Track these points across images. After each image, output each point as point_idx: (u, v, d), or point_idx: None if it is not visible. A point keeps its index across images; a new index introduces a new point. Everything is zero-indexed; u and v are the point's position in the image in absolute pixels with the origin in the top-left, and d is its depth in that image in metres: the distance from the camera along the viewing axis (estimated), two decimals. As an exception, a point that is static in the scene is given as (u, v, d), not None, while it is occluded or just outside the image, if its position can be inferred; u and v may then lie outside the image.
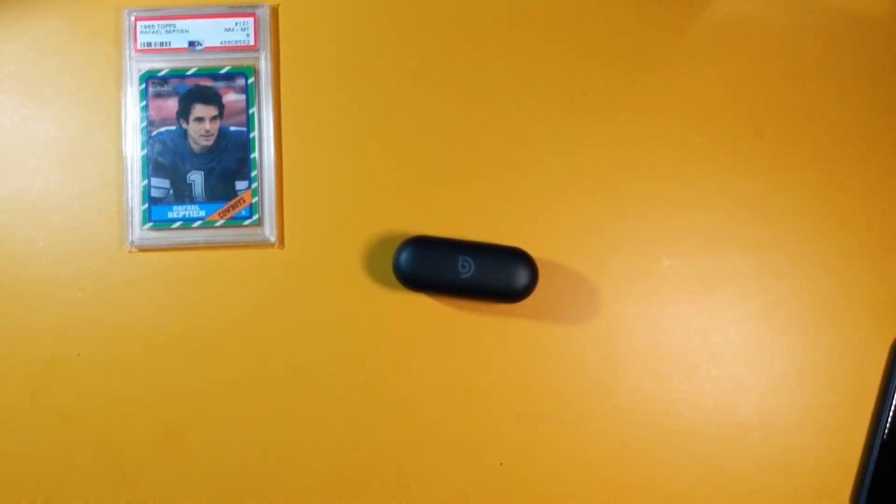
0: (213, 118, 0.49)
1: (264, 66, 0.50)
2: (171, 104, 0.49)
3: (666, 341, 0.49)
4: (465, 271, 0.46)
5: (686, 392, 0.49)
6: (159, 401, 0.49)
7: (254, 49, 0.50)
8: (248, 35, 0.50)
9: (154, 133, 0.49)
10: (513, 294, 0.46)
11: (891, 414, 0.47)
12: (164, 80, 0.49)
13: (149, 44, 0.50)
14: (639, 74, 0.50)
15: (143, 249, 0.49)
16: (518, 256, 0.46)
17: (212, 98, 0.49)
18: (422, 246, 0.46)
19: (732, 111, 0.50)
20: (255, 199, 0.49)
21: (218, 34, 0.50)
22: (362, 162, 0.50)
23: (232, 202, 0.49)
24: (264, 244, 0.49)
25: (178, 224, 0.49)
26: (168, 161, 0.49)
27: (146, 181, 0.49)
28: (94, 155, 0.50)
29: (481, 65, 0.50)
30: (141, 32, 0.50)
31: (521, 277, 0.46)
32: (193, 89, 0.49)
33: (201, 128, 0.49)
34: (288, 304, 0.49)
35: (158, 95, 0.49)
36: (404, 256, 0.46)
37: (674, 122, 0.50)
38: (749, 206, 0.50)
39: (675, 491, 0.48)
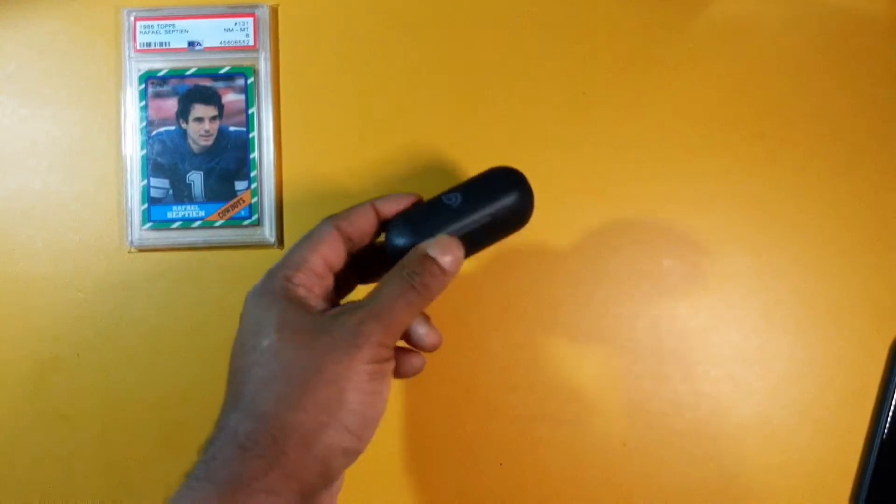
0: (213, 118, 0.49)
1: (264, 67, 0.50)
2: (171, 104, 0.49)
3: (666, 341, 0.49)
4: (453, 202, 0.39)
5: (686, 392, 0.49)
6: (159, 401, 0.49)
7: (253, 49, 0.50)
8: (247, 35, 0.50)
9: (153, 133, 0.49)
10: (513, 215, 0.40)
11: (890, 414, 0.47)
12: (163, 80, 0.49)
13: (148, 44, 0.50)
14: (639, 74, 0.50)
15: (142, 249, 0.49)
16: (504, 176, 0.40)
17: (211, 98, 0.49)
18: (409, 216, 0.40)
19: (733, 110, 0.50)
20: (254, 200, 0.49)
21: (217, 34, 0.50)
22: (362, 162, 0.50)
23: (231, 202, 0.49)
24: (264, 244, 0.49)
25: (177, 224, 0.49)
26: (167, 161, 0.49)
27: (145, 181, 0.49)
28: (93, 155, 0.50)
29: (481, 64, 0.50)
30: (140, 32, 0.50)
31: (511, 194, 0.40)
32: (193, 89, 0.49)
33: (201, 128, 0.49)
34: (287, 305, 0.49)
35: (158, 95, 0.49)
36: (394, 233, 0.39)
37: (674, 121, 0.50)
38: (749, 206, 0.49)
39: (675, 491, 0.48)
